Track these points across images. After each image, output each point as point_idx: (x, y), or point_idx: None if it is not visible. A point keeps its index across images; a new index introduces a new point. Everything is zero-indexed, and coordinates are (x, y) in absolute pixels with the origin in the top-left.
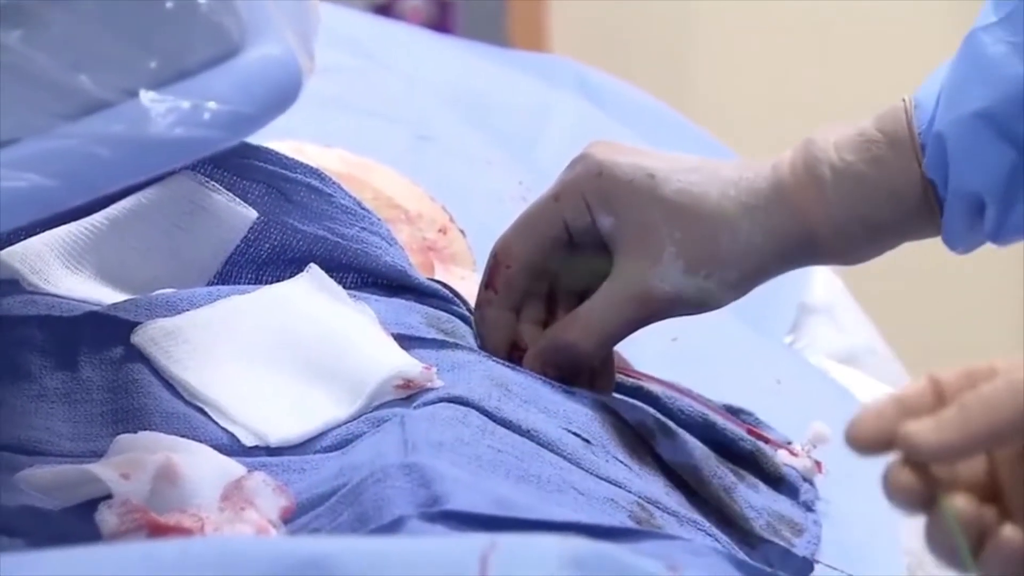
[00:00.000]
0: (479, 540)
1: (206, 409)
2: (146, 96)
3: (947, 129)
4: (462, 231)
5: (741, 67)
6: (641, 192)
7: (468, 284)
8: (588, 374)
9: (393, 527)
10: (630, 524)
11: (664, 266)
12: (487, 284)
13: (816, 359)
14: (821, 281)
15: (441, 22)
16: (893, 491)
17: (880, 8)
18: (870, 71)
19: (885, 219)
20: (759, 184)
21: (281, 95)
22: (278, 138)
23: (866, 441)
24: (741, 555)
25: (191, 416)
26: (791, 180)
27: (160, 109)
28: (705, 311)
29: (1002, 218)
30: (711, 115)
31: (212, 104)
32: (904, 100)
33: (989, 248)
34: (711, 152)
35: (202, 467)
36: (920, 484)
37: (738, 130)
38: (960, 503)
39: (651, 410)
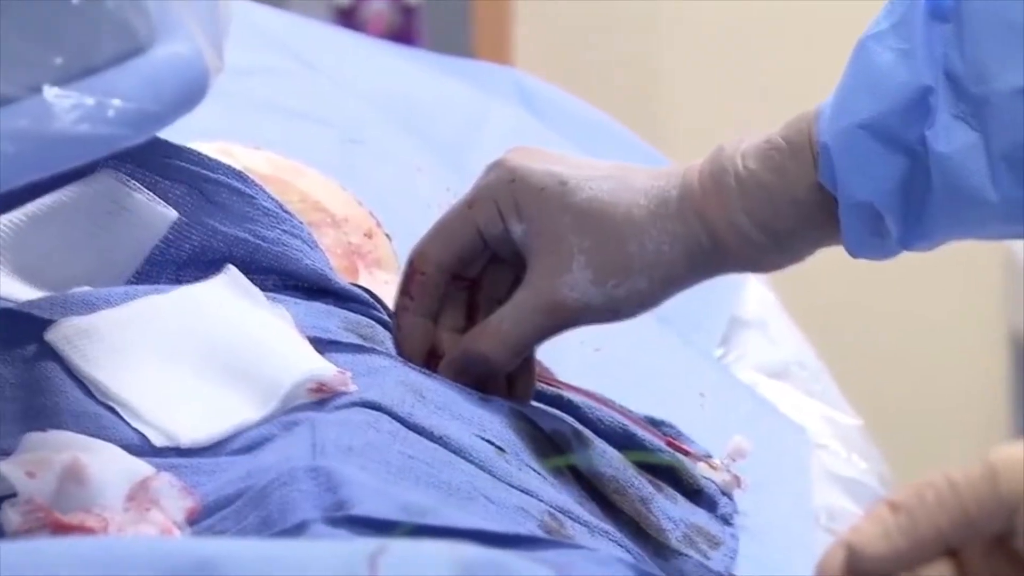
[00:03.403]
0: (370, 544)
1: (118, 409)
2: (50, 92)
3: (832, 140)
4: (388, 236)
5: (708, 81)
6: (552, 200)
7: (392, 289)
8: (505, 382)
9: (297, 531)
10: (539, 533)
11: (573, 275)
12: (403, 291)
13: (746, 373)
14: (754, 295)
15: (405, 31)
16: None
17: (847, 17)
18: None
19: (789, 227)
20: (669, 192)
21: (188, 93)
22: (206, 139)
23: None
24: (651, 566)
25: (102, 416)
26: (698, 188)
27: (64, 105)
28: (618, 320)
29: (906, 227)
30: (678, 129)
31: (117, 101)
32: (814, 108)
33: (923, 259)
34: (653, 164)
35: (109, 467)
36: None
37: (705, 145)
38: None
39: (569, 419)
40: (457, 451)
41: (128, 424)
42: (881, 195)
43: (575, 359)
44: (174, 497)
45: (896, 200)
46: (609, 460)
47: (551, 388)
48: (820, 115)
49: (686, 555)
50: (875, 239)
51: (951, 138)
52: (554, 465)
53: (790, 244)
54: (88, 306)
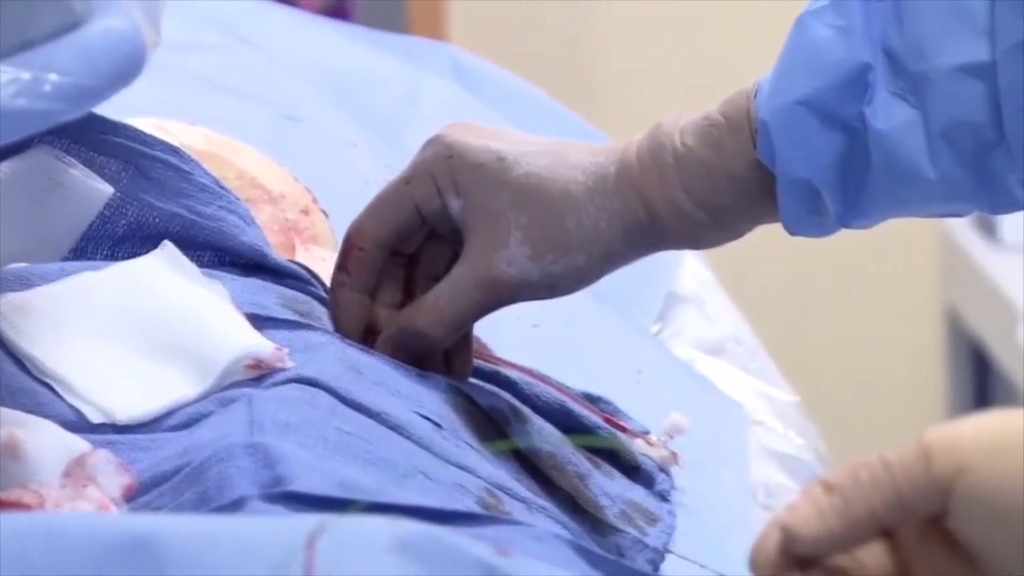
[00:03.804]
0: (308, 521)
1: (53, 385)
2: None
3: (771, 116)
4: (325, 212)
5: (645, 56)
6: (489, 176)
7: (328, 265)
8: (442, 358)
9: (234, 507)
10: (477, 509)
11: (510, 251)
12: (340, 266)
13: (682, 349)
14: (690, 271)
15: (340, 7)
16: None
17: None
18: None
19: (726, 204)
20: (607, 169)
21: (125, 68)
22: (142, 115)
23: (770, 561)
24: (587, 542)
25: (38, 392)
26: (636, 165)
27: (1, 79)
28: (556, 296)
29: (844, 204)
30: (613, 105)
31: (54, 76)
32: (754, 84)
33: (859, 236)
34: (589, 139)
35: (46, 443)
36: None
37: (640, 121)
38: None
39: (507, 396)
40: (395, 427)
41: (64, 400)
42: (819, 172)
43: (512, 335)
44: (111, 473)
45: (834, 177)
46: (547, 437)
47: (489, 364)
48: (759, 91)
49: (623, 531)
50: (813, 216)
51: (889, 115)
52: (499, 450)
53: (728, 221)
54: (23, 282)
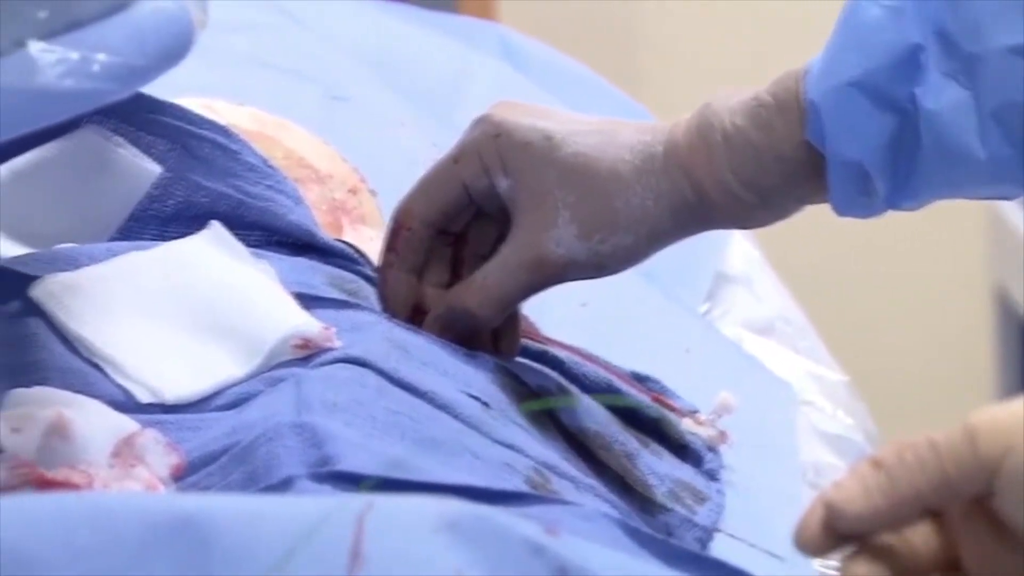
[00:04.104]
0: (356, 501)
1: (102, 365)
2: (35, 47)
3: (822, 97)
4: (373, 192)
5: (692, 35)
6: (537, 155)
7: (377, 245)
8: (490, 338)
9: (282, 487)
10: (525, 489)
11: (558, 230)
12: (389, 246)
13: (731, 329)
14: (739, 250)
15: None
16: None
17: None
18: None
19: (774, 185)
20: (655, 148)
21: (173, 48)
22: (191, 94)
23: (815, 538)
24: (636, 522)
25: (87, 372)
26: (684, 144)
27: (49, 60)
28: (603, 275)
29: (893, 185)
30: (661, 84)
31: (102, 56)
32: (804, 64)
33: (909, 216)
34: (637, 118)
35: (94, 423)
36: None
37: (687, 99)
38: None
39: (554, 375)
40: (442, 406)
41: (113, 380)
42: (869, 153)
43: (560, 314)
44: (159, 453)
45: (884, 158)
46: (594, 416)
47: (536, 344)
48: (808, 72)
49: (672, 510)
50: (862, 198)
51: (940, 96)
52: (530, 410)
53: (775, 201)
54: (72, 262)
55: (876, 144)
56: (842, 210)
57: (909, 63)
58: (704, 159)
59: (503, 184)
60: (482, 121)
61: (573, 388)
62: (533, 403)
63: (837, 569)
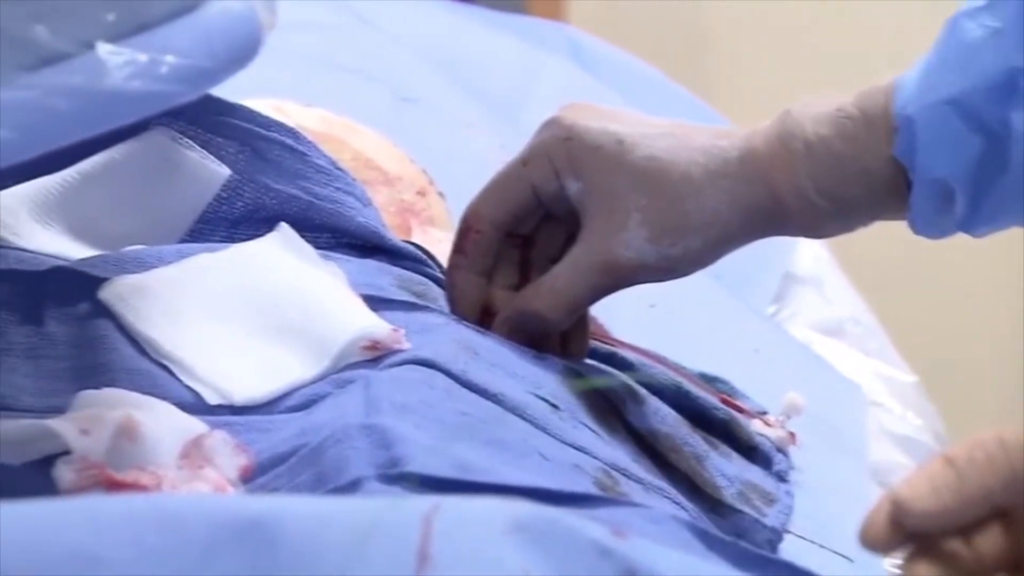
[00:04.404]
0: (423, 502)
1: (171, 367)
2: (103, 49)
3: (918, 113)
4: (441, 194)
5: (760, 37)
6: (608, 158)
7: (445, 247)
8: (559, 339)
9: (351, 488)
10: (594, 490)
11: (629, 233)
12: (457, 248)
13: (800, 330)
14: (808, 252)
15: None
16: None
17: None
18: (891, 51)
19: (854, 196)
20: (730, 153)
21: (241, 50)
22: (259, 96)
23: (881, 535)
24: (706, 523)
25: (156, 373)
26: (764, 150)
27: (117, 62)
28: (672, 278)
29: (972, 208)
30: (729, 86)
31: (170, 58)
32: (889, 80)
33: None
34: (705, 120)
35: (163, 425)
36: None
37: (756, 102)
38: None
39: (623, 376)
40: (511, 408)
41: (182, 382)
42: (958, 172)
43: (629, 316)
44: (228, 455)
45: (969, 179)
46: (663, 418)
47: (605, 345)
48: (898, 88)
49: (741, 512)
50: (940, 218)
51: None
52: (578, 390)
53: (850, 213)
54: (141, 264)
55: (965, 164)
56: (919, 227)
57: (1007, 86)
58: (784, 166)
59: (573, 187)
60: (552, 124)
61: (641, 390)
62: (578, 382)
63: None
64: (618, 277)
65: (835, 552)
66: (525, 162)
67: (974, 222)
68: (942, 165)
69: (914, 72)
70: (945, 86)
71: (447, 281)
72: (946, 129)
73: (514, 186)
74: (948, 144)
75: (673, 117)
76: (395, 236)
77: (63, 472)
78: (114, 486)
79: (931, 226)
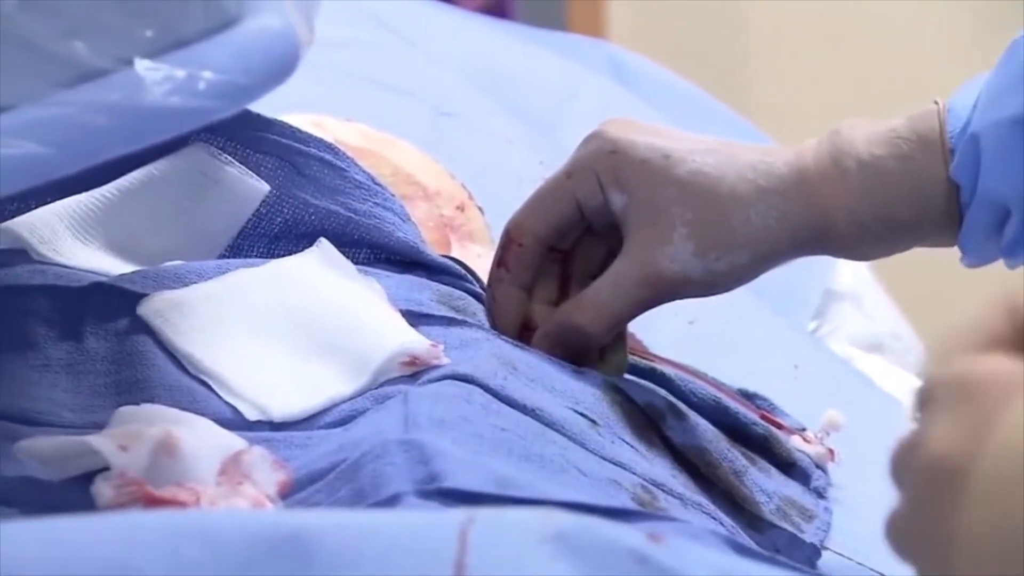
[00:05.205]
0: (459, 515)
1: (210, 382)
2: (141, 65)
3: (984, 131)
4: (480, 209)
5: (800, 56)
6: (655, 172)
7: (484, 262)
8: (598, 354)
9: (389, 503)
10: (632, 506)
11: (674, 247)
12: (499, 262)
13: (840, 346)
14: (848, 268)
15: (499, 5)
16: None
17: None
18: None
19: (905, 218)
20: (778, 169)
21: (279, 66)
22: (298, 111)
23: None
24: (744, 539)
25: (195, 389)
26: (814, 168)
27: (155, 78)
28: (715, 294)
29: (1020, 234)
30: (769, 103)
31: (208, 74)
32: (937, 103)
33: None
34: (746, 139)
35: (202, 441)
36: None
37: (793, 126)
38: None
39: (662, 392)
40: (550, 424)
41: (221, 398)
42: (1016, 193)
43: (668, 331)
44: (266, 471)
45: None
46: (702, 433)
47: (644, 361)
48: (951, 111)
49: (780, 528)
50: (989, 243)
51: None
52: (619, 405)
53: (897, 235)
54: (180, 280)
55: (1021, 186)
56: (968, 249)
57: None
58: (836, 184)
59: (618, 201)
60: (596, 137)
61: (681, 405)
62: (618, 398)
63: None
64: (661, 291)
65: (873, 570)
66: (569, 175)
67: (1017, 248)
68: (1004, 184)
69: (970, 95)
70: (1012, 105)
71: (488, 295)
72: (1011, 148)
73: (558, 199)
74: (1012, 163)
75: (715, 135)
76: (434, 251)
77: (102, 488)
78: (152, 502)
79: (979, 250)
